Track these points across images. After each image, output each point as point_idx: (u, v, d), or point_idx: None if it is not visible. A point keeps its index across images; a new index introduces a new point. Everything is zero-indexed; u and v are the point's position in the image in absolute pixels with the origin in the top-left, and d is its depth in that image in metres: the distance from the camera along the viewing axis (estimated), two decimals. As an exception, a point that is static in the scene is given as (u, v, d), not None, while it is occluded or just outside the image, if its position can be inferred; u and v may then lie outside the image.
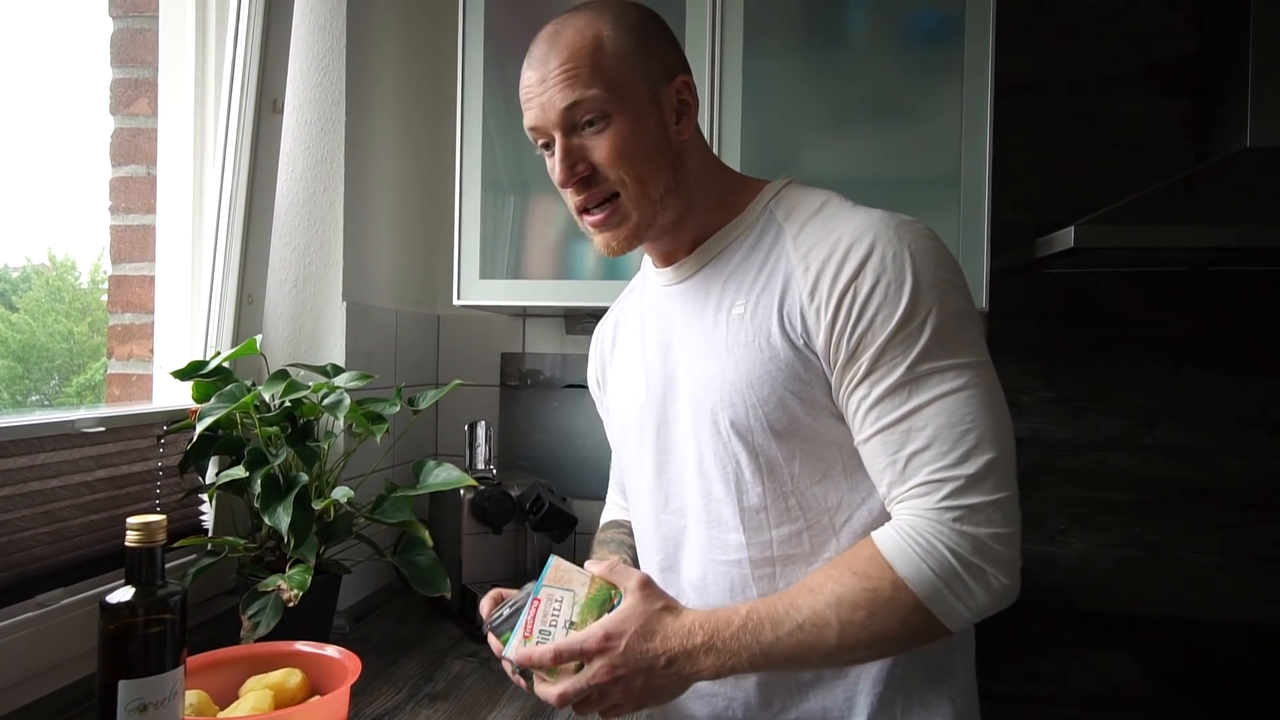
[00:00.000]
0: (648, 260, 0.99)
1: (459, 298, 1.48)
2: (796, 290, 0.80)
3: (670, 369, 0.91)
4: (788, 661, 0.76)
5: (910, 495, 0.75)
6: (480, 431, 1.47)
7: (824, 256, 0.79)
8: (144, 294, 1.38)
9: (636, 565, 0.99)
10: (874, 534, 0.76)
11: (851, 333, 0.77)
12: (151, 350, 1.36)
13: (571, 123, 0.83)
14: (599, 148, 0.83)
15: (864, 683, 0.84)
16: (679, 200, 0.87)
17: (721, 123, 1.41)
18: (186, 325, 1.36)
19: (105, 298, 1.43)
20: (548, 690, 0.78)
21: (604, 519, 1.14)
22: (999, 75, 1.36)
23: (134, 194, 1.37)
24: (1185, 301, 1.59)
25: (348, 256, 1.46)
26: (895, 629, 0.74)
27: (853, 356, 0.77)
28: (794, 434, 0.81)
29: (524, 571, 1.42)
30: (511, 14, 1.47)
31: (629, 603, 0.79)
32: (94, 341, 1.44)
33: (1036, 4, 1.63)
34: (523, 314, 1.77)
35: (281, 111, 1.40)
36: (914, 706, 0.84)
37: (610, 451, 1.11)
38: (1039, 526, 1.63)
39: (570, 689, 0.77)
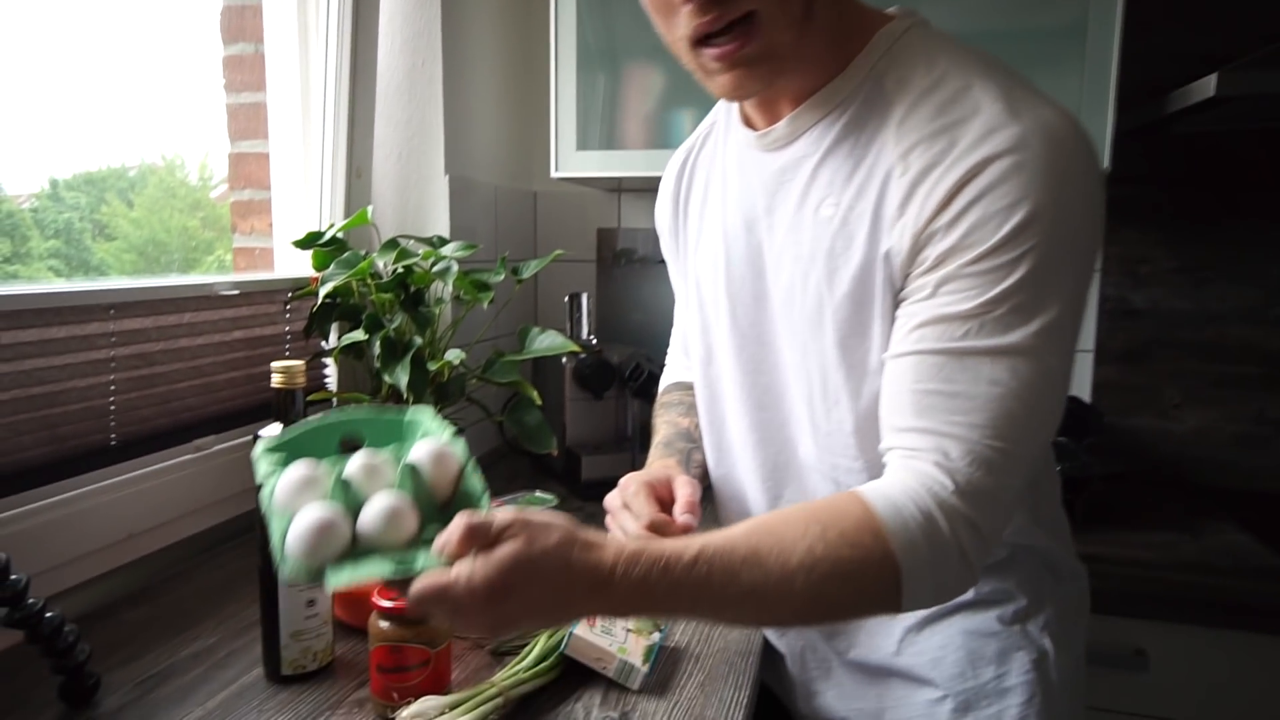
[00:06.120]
0: (734, 105, 0.85)
1: (557, 169, 1.49)
2: (891, 198, 0.67)
3: (753, 253, 0.81)
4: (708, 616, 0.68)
5: (918, 439, 0.64)
6: (583, 302, 1.50)
7: (928, 161, 0.65)
8: (260, 171, 1.44)
9: (700, 463, 0.95)
10: (869, 494, 0.64)
11: (932, 250, 0.65)
12: (270, 224, 1.43)
13: None
14: None
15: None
16: (807, 28, 0.69)
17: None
18: (300, 199, 1.42)
19: (214, 194, 1.50)
20: None
21: (666, 379, 1.10)
22: (1137, -93, 1.24)
23: (245, 71, 1.41)
24: (1335, 160, 1.46)
25: (448, 130, 1.48)
26: (852, 603, 0.65)
27: (926, 271, 0.66)
28: (863, 366, 0.72)
29: (625, 436, 1.48)
30: None
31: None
32: (207, 236, 1.52)
33: None
34: (618, 188, 1.77)
35: (379, -19, 1.40)
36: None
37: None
38: (1151, 401, 1.59)
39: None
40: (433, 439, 0.66)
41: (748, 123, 0.81)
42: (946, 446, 0.63)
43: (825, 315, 0.73)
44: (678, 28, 0.69)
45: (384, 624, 0.76)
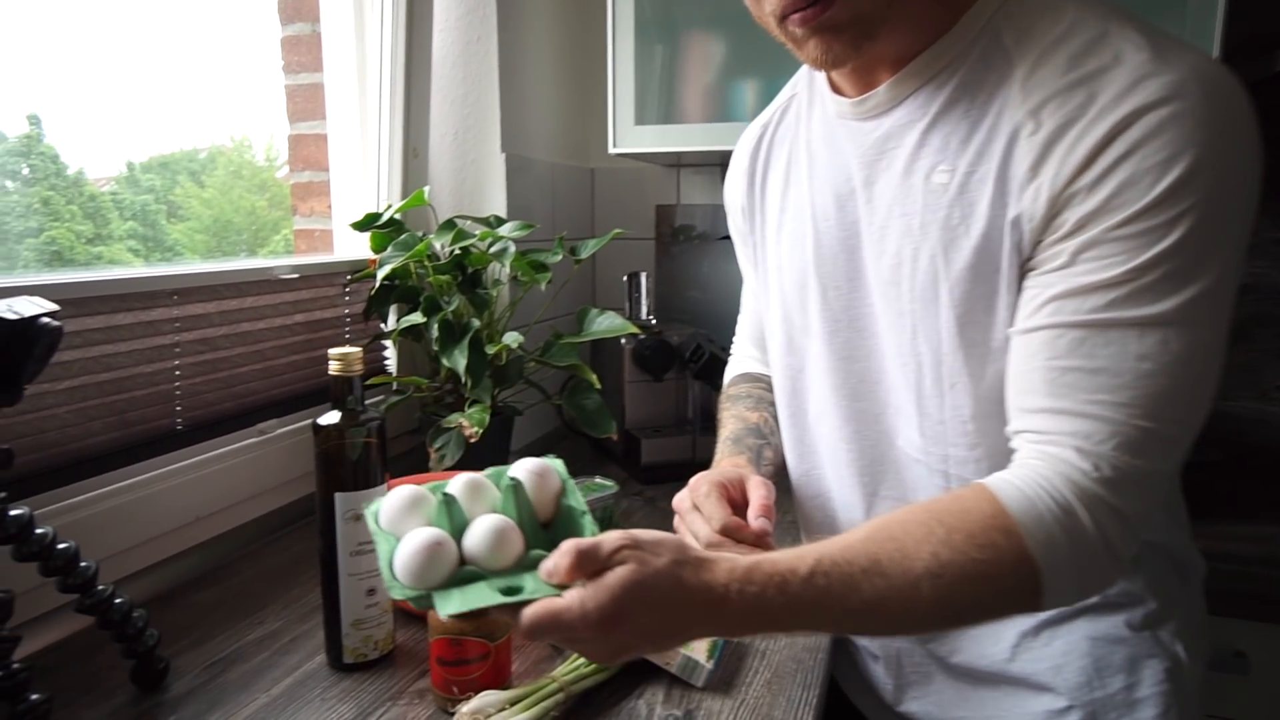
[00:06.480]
0: (818, 75, 0.81)
1: (614, 145, 1.45)
2: (1020, 159, 0.61)
3: (847, 231, 0.75)
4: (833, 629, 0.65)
5: (1053, 421, 0.59)
6: (641, 281, 1.47)
7: (1064, 116, 0.59)
8: (318, 152, 1.43)
9: (771, 460, 0.89)
10: (998, 487, 0.59)
11: (1071, 214, 0.59)
12: (329, 206, 1.43)
13: None
14: None
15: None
16: None
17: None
18: (358, 180, 1.41)
19: (279, 174, 1.51)
20: None
21: (732, 371, 1.04)
22: None
23: (303, 52, 1.40)
24: None
25: (504, 107, 1.45)
26: (986, 608, 0.60)
27: (1064, 237, 0.59)
28: (985, 344, 0.67)
29: (686, 419, 1.44)
30: None
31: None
32: (273, 216, 1.53)
33: None
34: (677, 164, 1.72)
35: (433, -44, 1.37)
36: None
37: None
38: (1252, 382, 1.48)
39: None
40: (532, 458, 0.65)
41: (838, 91, 0.76)
42: (1088, 428, 0.58)
43: (941, 291, 0.67)
44: (767, 3, 0.67)
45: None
